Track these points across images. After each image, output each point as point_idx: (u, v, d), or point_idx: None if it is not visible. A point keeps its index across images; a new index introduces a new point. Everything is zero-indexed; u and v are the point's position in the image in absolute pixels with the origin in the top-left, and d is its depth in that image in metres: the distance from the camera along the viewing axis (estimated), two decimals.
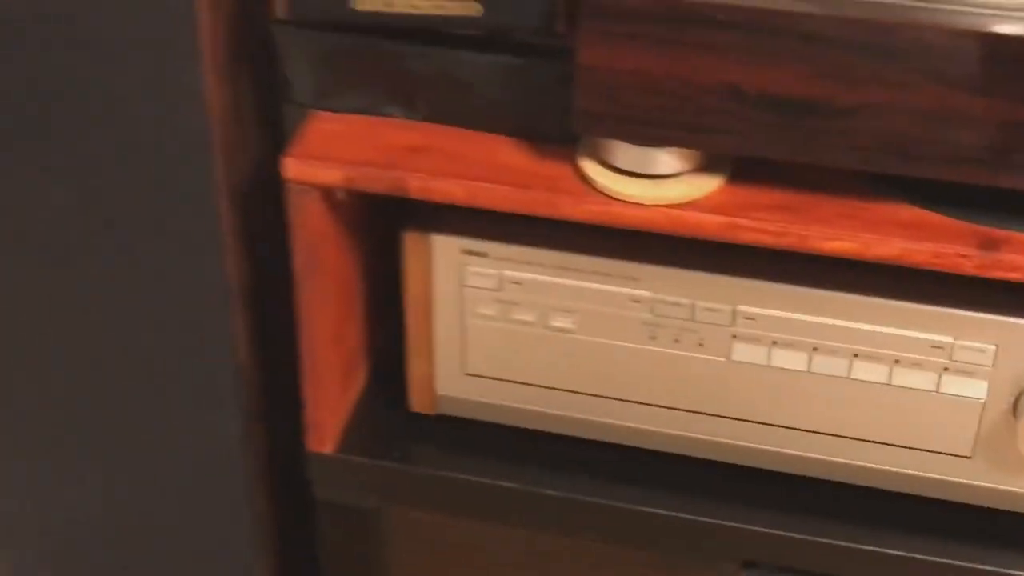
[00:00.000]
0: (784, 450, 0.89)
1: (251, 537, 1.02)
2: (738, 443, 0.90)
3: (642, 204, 0.79)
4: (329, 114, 0.86)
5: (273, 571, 1.07)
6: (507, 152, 0.83)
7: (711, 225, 0.78)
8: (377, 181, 0.82)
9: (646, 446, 0.92)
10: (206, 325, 0.93)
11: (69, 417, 1.00)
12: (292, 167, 0.83)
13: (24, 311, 0.96)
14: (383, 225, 0.94)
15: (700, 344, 0.87)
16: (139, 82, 0.83)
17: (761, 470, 0.91)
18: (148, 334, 0.94)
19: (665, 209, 0.79)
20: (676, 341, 0.87)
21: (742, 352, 0.86)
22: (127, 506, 1.03)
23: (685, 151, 0.79)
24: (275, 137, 0.97)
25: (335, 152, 0.83)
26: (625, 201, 0.79)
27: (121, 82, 0.84)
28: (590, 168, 0.80)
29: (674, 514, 0.90)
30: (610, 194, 0.79)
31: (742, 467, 0.91)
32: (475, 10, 0.78)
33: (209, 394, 0.96)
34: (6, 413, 1.01)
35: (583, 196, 0.80)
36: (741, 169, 0.80)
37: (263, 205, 0.93)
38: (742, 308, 0.84)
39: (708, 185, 0.80)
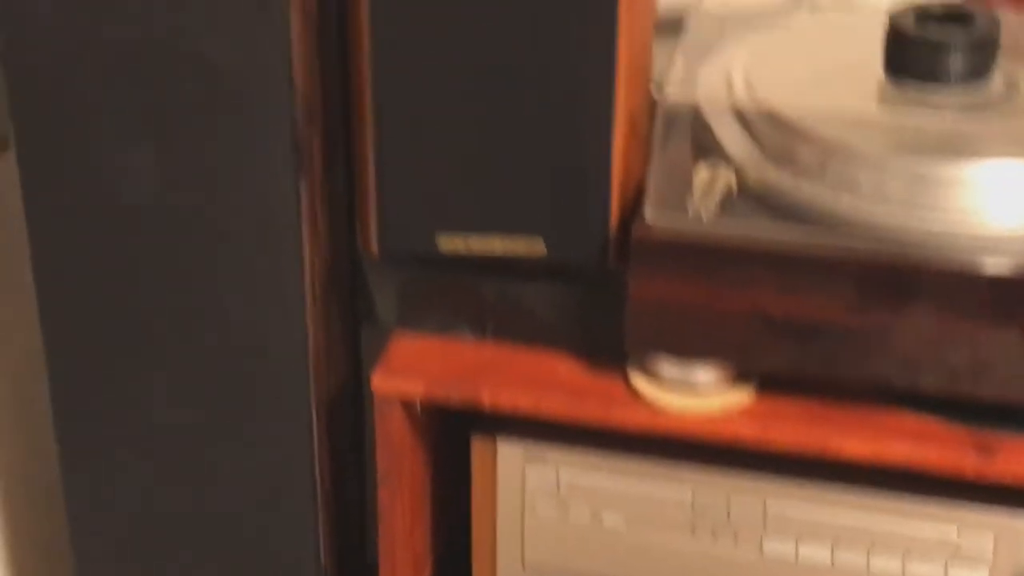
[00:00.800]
0: None
1: None
2: None
3: (684, 415, 0.91)
4: (408, 333, 0.99)
5: None
6: (565, 366, 0.96)
7: (745, 435, 0.91)
8: (454, 394, 0.95)
9: None
10: (291, 520, 1.05)
11: None
12: (380, 381, 0.96)
13: None
14: (451, 432, 1.06)
15: (734, 538, 0.98)
16: (249, 317, 0.96)
17: None
18: (232, 531, 1.05)
19: (704, 420, 0.91)
20: (713, 536, 0.98)
21: (772, 547, 0.97)
22: None
23: (721, 366, 0.91)
24: (354, 353, 1.10)
25: (416, 368, 0.96)
26: (669, 412, 0.91)
27: (236, 316, 0.97)
28: (638, 381, 0.93)
29: None
30: (656, 404, 0.92)
31: None
32: (540, 250, 0.92)
33: None
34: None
35: (632, 407, 0.92)
36: (769, 380, 0.93)
37: (345, 414, 1.06)
38: (771, 504, 0.96)
39: (741, 395, 0.92)
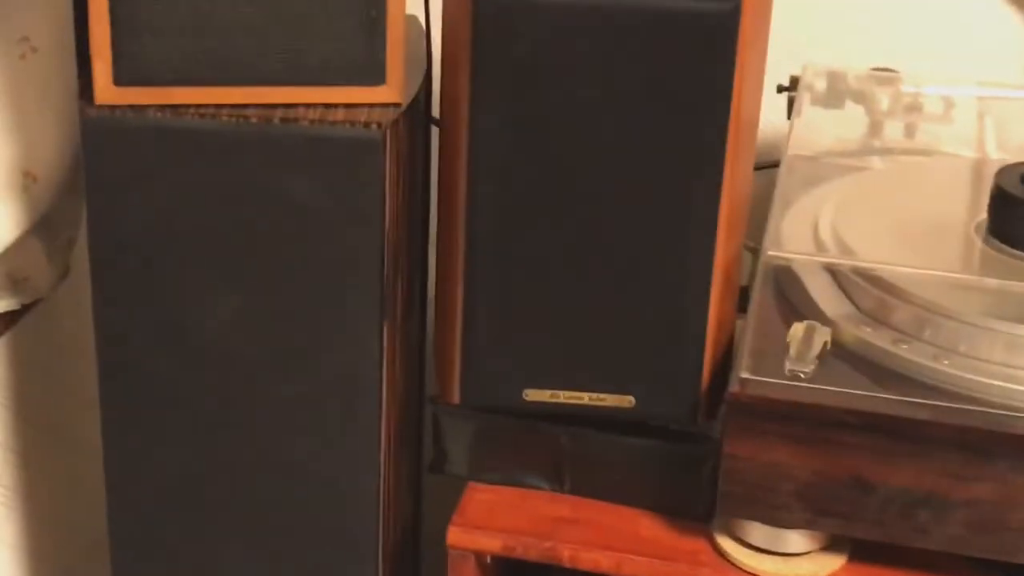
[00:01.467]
0: None
1: None
2: None
3: None
4: (482, 486, 0.96)
5: None
6: (647, 525, 0.93)
7: None
8: (533, 550, 0.92)
9: None
10: None
11: None
12: (457, 536, 0.93)
13: None
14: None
15: None
16: (324, 461, 0.94)
17: None
18: None
19: None
20: None
21: None
22: None
23: (814, 532, 0.89)
24: (417, 499, 1.08)
25: (493, 522, 0.93)
26: None
27: (311, 461, 0.94)
28: (727, 544, 0.90)
29: None
30: (745, 568, 0.89)
31: None
32: (628, 403, 0.90)
33: None
34: None
35: (720, 571, 0.90)
36: (862, 546, 0.90)
37: (406, 559, 1.03)
38: None
39: (832, 564, 0.89)
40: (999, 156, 1.03)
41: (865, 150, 1.07)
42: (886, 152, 1.07)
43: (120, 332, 0.91)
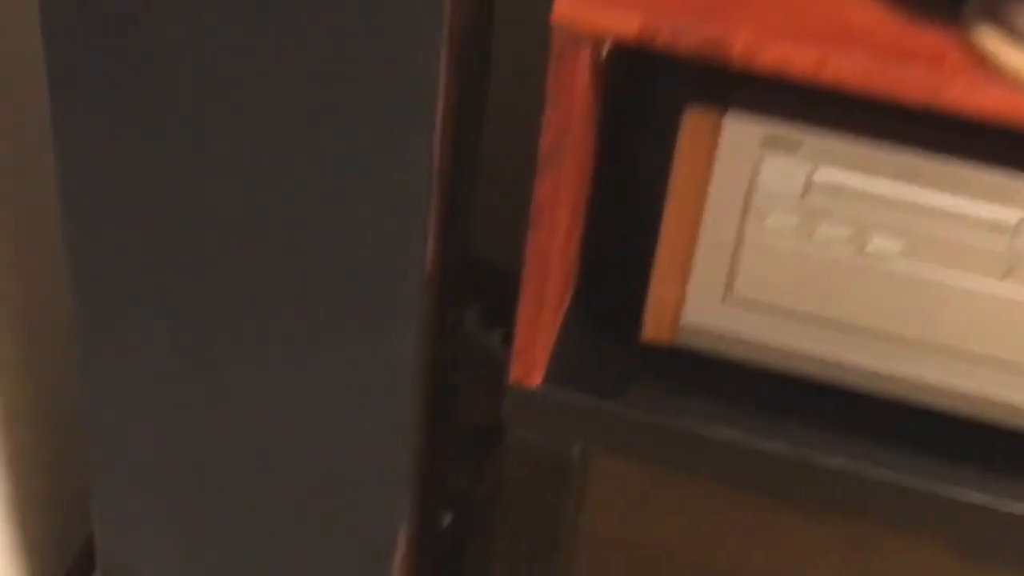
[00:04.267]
0: None
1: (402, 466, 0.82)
2: None
3: None
4: None
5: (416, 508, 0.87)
6: (857, 9, 0.62)
7: None
8: (686, 36, 0.61)
9: (943, 407, 0.72)
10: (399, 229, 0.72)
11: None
12: (567, 8, 0.61)
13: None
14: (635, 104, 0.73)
15: None
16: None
17: None
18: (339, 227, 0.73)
19: None
20: None
21: None
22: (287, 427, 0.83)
23: None
24: None
25: None
26: None
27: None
28: (989, 40, 0.59)
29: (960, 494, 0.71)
30: (1020, 75, 0.58)
31: None
32: None
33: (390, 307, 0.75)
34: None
35: (979, 79, 0.59)
36: None
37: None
38: None
39: None
40: None
41: None
42: None
43: None
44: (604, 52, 0.66)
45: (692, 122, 0.66)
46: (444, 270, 0.77)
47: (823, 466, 0.72)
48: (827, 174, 0.66)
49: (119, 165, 0.73)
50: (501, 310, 1.10)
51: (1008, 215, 0.64)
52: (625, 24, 0.61)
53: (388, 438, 0.81)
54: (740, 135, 0.66)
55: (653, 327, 0.74)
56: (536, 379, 0.74)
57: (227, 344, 0.78)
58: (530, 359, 0.73)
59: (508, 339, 0.75)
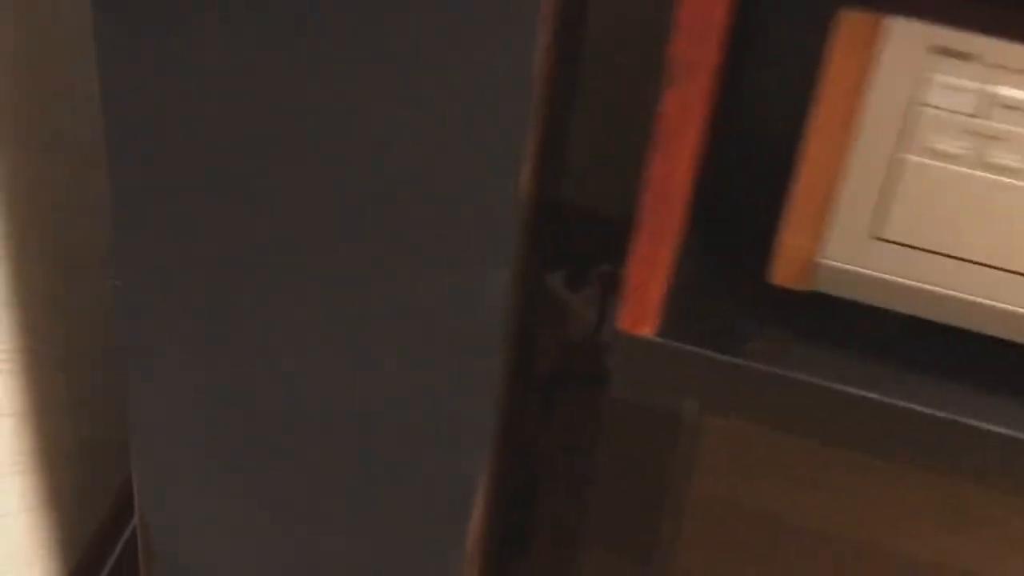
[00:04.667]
0: None
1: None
2: None
3: None
4: None
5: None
6: None
7: None
8: None
9: None
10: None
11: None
12: None
13: None
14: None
15: None
16: None
17: None
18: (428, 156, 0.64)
19: None
20: None
21: None
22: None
23: None
24: None
25: None
26: None
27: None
28: None
29: None
30: None
31: None
32: None
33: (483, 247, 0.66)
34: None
35: None
36: None
37: None
38: None
39: None
40: None
41: None
42: None
43: None
44: None
45: (849, 24, 0.57)
46: (539, 210, 0.68)
47: (981, 431, 0.63)
48: (1006, 92, 0.56)
49: None
50: (584, 272, 1.02)
51: None
52: None
53: (471, 393, 0.72)
54: (904, 41, 0.56)
55: (784, 269, 0.65)
56: (648, 327, 0.65)
57: (301, 286, 0.70)
58: (643, 304, 0.64)
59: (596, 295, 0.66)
